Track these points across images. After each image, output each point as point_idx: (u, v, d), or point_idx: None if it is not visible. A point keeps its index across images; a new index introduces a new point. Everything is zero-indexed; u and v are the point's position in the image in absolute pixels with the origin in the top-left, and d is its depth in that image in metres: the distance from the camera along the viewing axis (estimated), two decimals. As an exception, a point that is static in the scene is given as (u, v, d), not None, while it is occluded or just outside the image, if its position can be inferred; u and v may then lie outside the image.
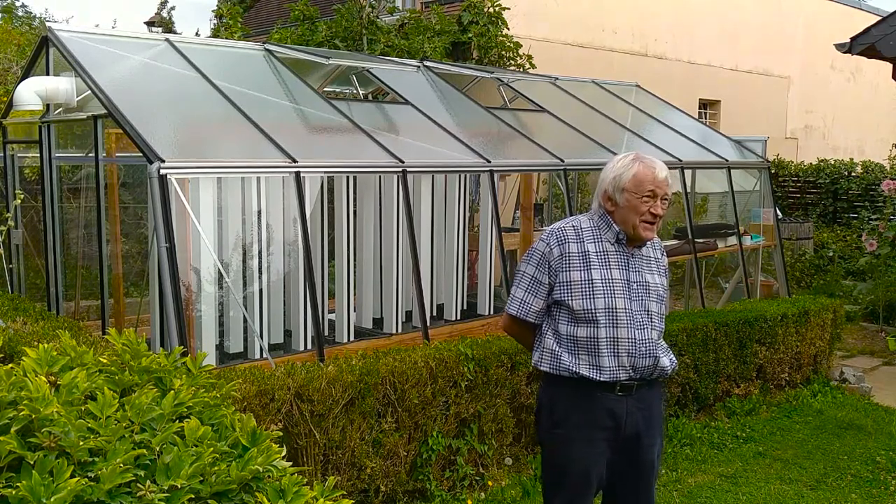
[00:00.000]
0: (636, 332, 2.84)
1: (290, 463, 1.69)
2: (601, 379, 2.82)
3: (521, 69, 10.44)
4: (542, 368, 2.94)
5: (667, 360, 2.93)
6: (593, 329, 2.82)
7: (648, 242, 2.95)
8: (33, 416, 1.52)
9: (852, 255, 10.68)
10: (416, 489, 4.30)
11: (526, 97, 7.48)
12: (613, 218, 2.90)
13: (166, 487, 1.48)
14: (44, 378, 1.68)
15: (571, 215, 6.19)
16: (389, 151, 5.23)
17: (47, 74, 5.36)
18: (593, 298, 2.82)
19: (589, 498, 2.94)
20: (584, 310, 2.82)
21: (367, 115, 5.89)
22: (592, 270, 2.84)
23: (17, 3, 22.98)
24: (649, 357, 2.86)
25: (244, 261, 5.02)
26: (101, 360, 1.93)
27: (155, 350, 3.10)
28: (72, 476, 1.42)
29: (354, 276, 5.67)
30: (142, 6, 48.34)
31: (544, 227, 8.35)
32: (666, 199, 2.88)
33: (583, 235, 2.90)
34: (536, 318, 2.95)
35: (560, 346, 2.88)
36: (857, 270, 10.30)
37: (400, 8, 12.15)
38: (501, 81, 7.67)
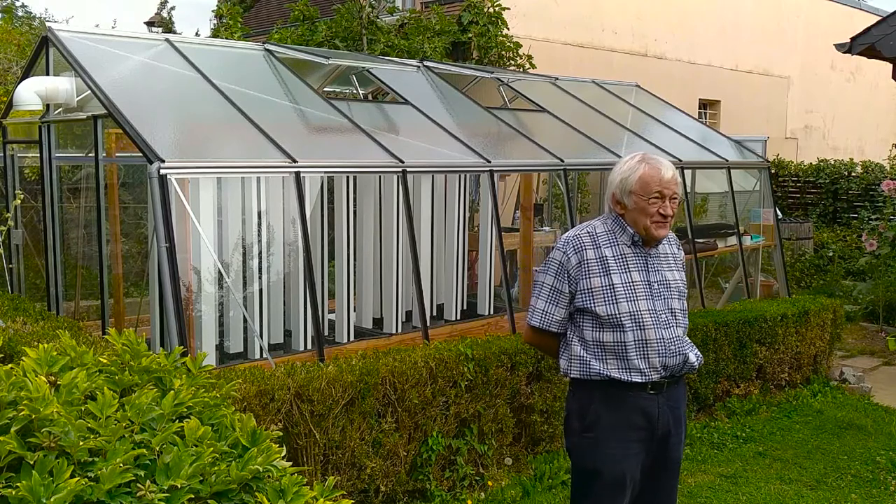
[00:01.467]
0: (663, 331, 2.84)
1: (290, 463, 1.69)
2: (633, 380, 2.81)
3: (521, 69, 10.44)
4: (571, 375, 2.92)
5: (693, 356, 2.94)
6: (620, 333, 2.81)
7: (664, 239, 2.94)
8: (33, 416, 1.52)
9: (852, 255, 10.68)
10: (416, 489, 4.30)
11: (526, 97, 7.48)
12: (625, 220, 2.89)
13: (166, 487, 1.48)
14: (44, 378, 1.68)
15: (571, 215, 6.25)
16: (389, 151, 5.23)
17: (47, 74, 5.36)
18: (616, 303, 2.81)
19: (623, 502, 2.89)
20: (608, 315, 2.81)
21: (367, 115, 5.89)
22: (612, 275, 2.83)
23: (17, 3, 22.98)
24: (679, 355, 2.86)
25: (244, 261, 5.02)
26: (101, 360, 1.93)
27: (155, 350, 3.10)
28: (72, 476, 1.42)
29: (354, 276, 5.67)
30: (142, 6, 48.36)
31: (544, 227, 8.40)
32: (675, 199, 2.86)
33: (598, 241, 2.88)
34: (559, 327, 2.93)
35: (588, 353, 2.86)
36: (857, 270, 10.30)
37: (400, 8, 12.15)
38: (501, 81, 7.67)
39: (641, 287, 2.84)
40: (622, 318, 2.80)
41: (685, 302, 2.99)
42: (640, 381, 2.81)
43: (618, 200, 2.89)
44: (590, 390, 2.88)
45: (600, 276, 2.83)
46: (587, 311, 2.85)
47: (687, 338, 2.97)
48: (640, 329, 2.81)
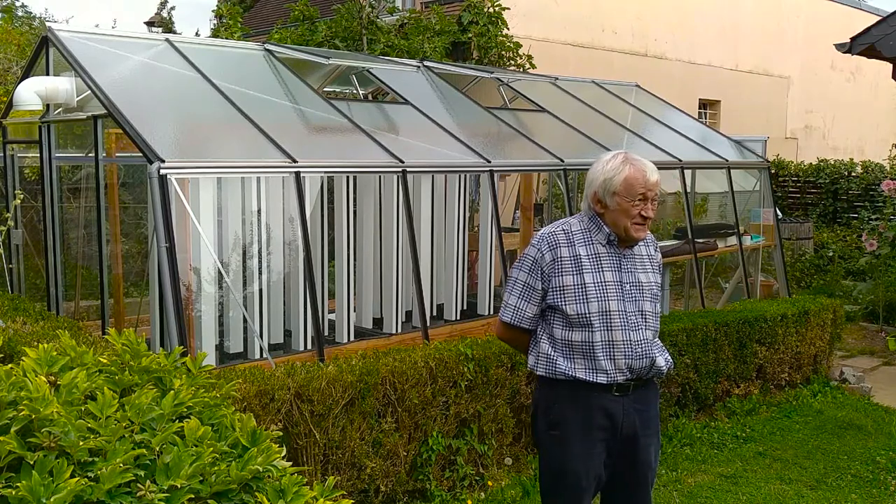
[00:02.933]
0: (631, 333, 2.83)
1: (290, 463, 1.69)
2: (598, 381, 2.81)
3: (521, 69, 10.44)
4: (538, 372, 2.94)
5: (662, 360, 2.92)
6: (588, 333, 2.81)
7: (640, 241, 2.93)
8: (33, 416, 1.52)
9: (852, 255, 10.67)
10: (416, 489, 4.30)
11: (526, 97, 7.48)
12: (604, 220, 2.87)
13: (166, 487, 1.48)
14: (44, 378, 1.68)
15: (571, 215, 6.23)
16: (389, 151, 5.23)
17: (47, 74, 5.36)
18: (587, 302, 2.81)
19: (587, 500, 2.92)
20: (577, 314, 2.81)
21: (367, 115, 5.89)
22: (585, 274, 2.83)
23: (17, 3, 22.96)
24: (646, 358, 2.85)
25: (244, 261, 5.02)
26: (101, 360, 1.93)
27: (155, 350, 3.10)
28: (72, 476, 1.42)
29: (354, 276, 5.67)
30: (142, 6, 48.38)
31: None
32: (655, 201, 2.85)
33: (573, 239, 2.88)
34: (531, 324, 2.93)
35: (555, 351, 2.87)
36: (857, 270, 10.30)
37: (400, 8, 12.15)
38: (501, 81, 7.67)
39: (613, 287, 2.83)
40: (591, 318, 2.80)
41: (658, 304, 2.97)
42: (604, 382, 2.81)
43: (599, 199, 2.86)
44: (555, 388, 2.89)
45: (573, 275, 2.83)
46: (558, 309, 2.85)
47: (658, 341, 2.96)
48: (608, 330, 2.81)
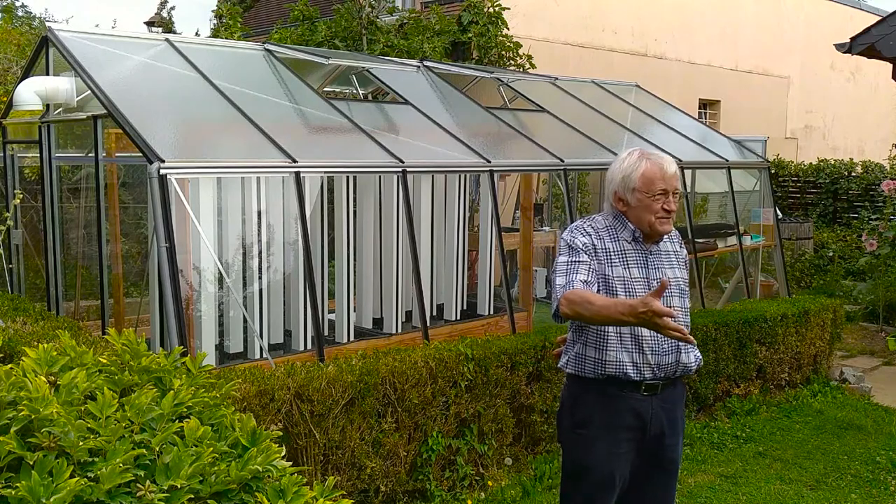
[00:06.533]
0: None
1: (290, 463, 1.69)
2: (628, 374, 2.79)
3: (521, 69, 10.44)
4: (568, 371, 2.93)
5: (692, 357, 2.90)
6: (616, 328, 2.79)
7: (665, 236, 2.93)
8: (33, 416, 1.52)
9: (852, 255, 10.67)
10: (416, 489, 4.30)
11: (526, 97, 7.48)
12: (627, 217, 2.87)
13: (166, 487, 1.48)
14: (43, 378, 1.68)
15: (571, 215, 6.24)
16: (389, 151, 5.23)
17: (47, 74, 5.36)
18: (615, 295, 2.79)
19: (610, 500, 2.90)
20: None
21: (367, 115, 5.89)
22: (614, 268, 2.82)
23: (17, 3, 22.96)
24: (672, 354, 2.83)
25: (244, 261, 5.01)
26: (101, 360, 1.92)
27: (155, 350, 3.10)
28: (71, 476, 1.42)
29: (354, 276, 5.67)
30: (142, 6, 48.36)
31: (544, 227, 8.40)
32: (676, 194, 2.86)
33: (601, 234, 2.88)
34: (585, 286, 2.75)
35: (586, 347, 2.85)
36: (857, 270, 10.30)
37: (400, 8, 12.14)
38: (501, 81, 7.67)
39: (640, 283, 2.83)
40: None
41: (686, 300, 2.96)
42: (634, 377, 2.79)
43: (620, 198, 2.87)
44: (584, 386, 2.88)
45: (604, 266, 2.82)
46: None
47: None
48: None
